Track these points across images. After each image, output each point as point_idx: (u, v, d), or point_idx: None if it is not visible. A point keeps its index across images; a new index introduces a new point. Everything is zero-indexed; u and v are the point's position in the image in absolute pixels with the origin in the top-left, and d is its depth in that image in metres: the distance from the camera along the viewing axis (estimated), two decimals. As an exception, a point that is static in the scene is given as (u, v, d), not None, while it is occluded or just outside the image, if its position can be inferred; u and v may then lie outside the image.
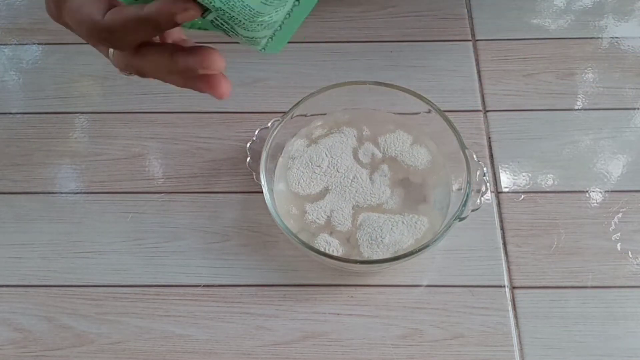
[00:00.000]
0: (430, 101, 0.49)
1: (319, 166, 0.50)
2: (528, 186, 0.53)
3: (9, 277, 0.50)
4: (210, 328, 0.47)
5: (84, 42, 0.65)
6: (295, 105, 0.49)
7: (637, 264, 0.49)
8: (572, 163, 0.54)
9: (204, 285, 0.49)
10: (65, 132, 0.56)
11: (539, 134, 0.55)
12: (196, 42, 0.38)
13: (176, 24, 0.33)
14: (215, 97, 0.37)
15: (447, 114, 0.49)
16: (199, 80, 0.36)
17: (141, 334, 0.47)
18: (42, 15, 0.63)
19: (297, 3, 0.35)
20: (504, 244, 0.50)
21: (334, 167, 0.50)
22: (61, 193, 0.53)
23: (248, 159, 0.50)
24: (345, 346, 0.46)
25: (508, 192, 0.52)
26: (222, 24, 0.34)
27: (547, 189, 0.53)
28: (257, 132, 0.50)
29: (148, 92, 0.58)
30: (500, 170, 0.53)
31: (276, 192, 0.49)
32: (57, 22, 0.40)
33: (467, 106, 0.57)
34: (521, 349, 0.46)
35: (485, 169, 0.48)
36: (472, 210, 0.46)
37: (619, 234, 0.50)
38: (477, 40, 0.61)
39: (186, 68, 0.35)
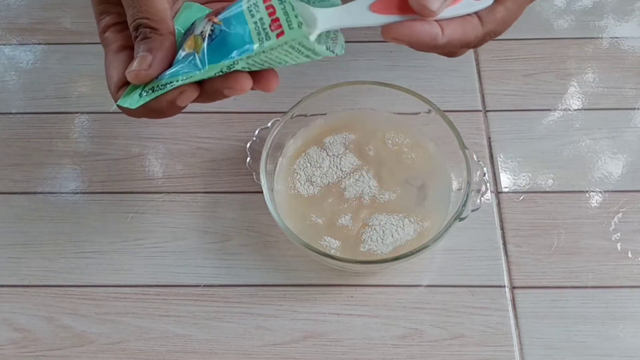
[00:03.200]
0: (430, 101, 0.49)
1: (319, 167, 0.50)
2: (528, 186, 0.53)
3: (9, 277, 0.50)
4: (210, 328, 0.47)
5: (84, 42, 0.66)
6: (295, 105, 0.49)
7: (637, 264, 0.49)
8: (572, 163, 0.54)
9: (204, 285, 0.49)
10: (65, 132, 0.56)
11: (539, 134, 0.55)
12: None
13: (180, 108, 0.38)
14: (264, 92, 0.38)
15: (447, 114, 0.49)
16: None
17: (141, 334, 0.47)
18: (42, 15, 0.63)
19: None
20: (504, 244, 0.50)
21: (335, 167, 0.50)
22: (61, 193, 0.53)
23: (248, 159, 0.50)
24: (345, 346, 0.46)
25: (508, 192, 0.52)
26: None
27: (547, 189, 0.53)
28: (257, 132, 0.50)
29: (148, 92, 0.58)
30: (500, 170, 0.53)
31: (276, 192, 0.49)
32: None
33: (467, 106, 0.57)
34: (521, 349, 0.46)
35: (485, 169, 0.48)
36: (472, 210, 0.46)
37: (619, 234, 0.50)
38: (477, 40, 0.61)
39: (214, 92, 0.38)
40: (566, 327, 0.47)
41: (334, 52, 0.37)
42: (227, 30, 0.35)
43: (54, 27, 0.63)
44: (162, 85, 0.36)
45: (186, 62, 0.37)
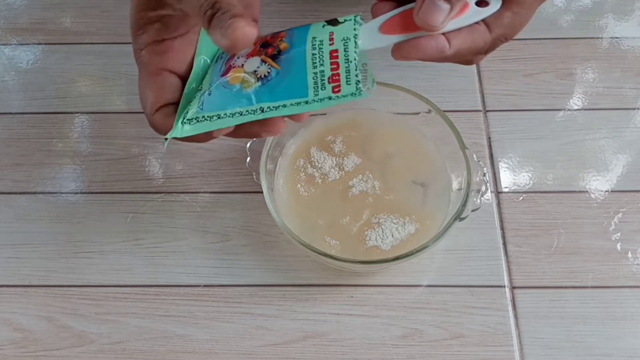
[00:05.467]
0: (430, 101, 0.49)
1: (319, 167, 0.50)
2: (528, 186, 0.53)
3: (9, 277, 0.50)
4: (210, 328, 0.47)
5: (84, 42, 0.66)
6: (295, 105, 0.49)
7: (637, 264, 0.49)
8: (572, 163, 0.54)
9: (204, 285, 0.49)
10: (65, 132, 0.56)
11: (539, 134, 0.55)
12: None
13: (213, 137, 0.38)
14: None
15: (447, 114, 0.49)
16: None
17: (141, 334, 0.47)
18: (42, 15, 0.63)
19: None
20: (504, 244, 0.50)
21: (336, 167, 0.50)
22: (61, 193, 0.53)
23: (248, 159, 0.50)
24: (345, 346, 0.46)
25: (508, 192, 0.52)
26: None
27: (547, 189, 0.52)
28: (257, 132, 0.50)
29: (148, 92, 0.58)
30: (500, 170, 0.53)
31: (276, 192, 0.49)
32: None
33: (467, 106, 0.57)
34: (521, 349, 0.46)
35: (485, 169, 0.48)
36: (472, 210, 0.46)
37: (619, 234, 0.50)
38: (477, 40, 0.61)
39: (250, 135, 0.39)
40: (566, 327, 0.47)
41: (369, 89, 0.38)
42: (285, 74, 0.36)
43: (54, 27, 0.63)
44: (208, 117, 0.37)
45: (232, 96, 0.37)
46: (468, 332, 0.47)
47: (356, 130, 0.51)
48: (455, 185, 0.48)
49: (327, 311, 0.48)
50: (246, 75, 0.37)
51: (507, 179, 0.53)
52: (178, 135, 0.38)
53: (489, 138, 0.55)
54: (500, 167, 0.54)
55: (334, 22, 0.38)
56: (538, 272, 0.49)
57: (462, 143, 0.47)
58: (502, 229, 0.51)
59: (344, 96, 0.36)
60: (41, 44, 0.62)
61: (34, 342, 0.47)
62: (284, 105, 0.36)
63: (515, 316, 0.47)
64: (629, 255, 0.49)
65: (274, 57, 0.37)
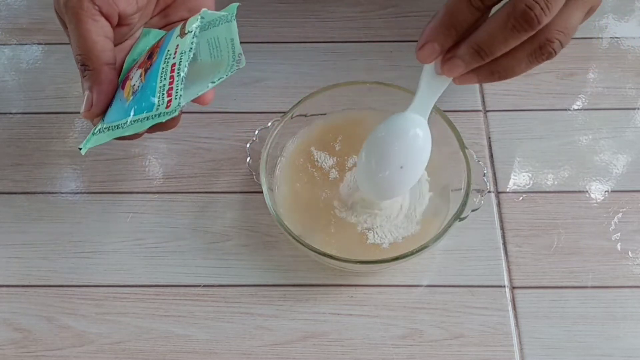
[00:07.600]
0: (430, 101, 0.49)
1: (319, 167, 0.50)
2: (528, 186, 0.53)
3: (9, 277, 0.50)
4: (210, 328, 0.47)
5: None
6: (295, 105, 0.49)
7: (637, 264, 0.49)
8: (572, 163, 0.54)
9: (204, 285, 0.49)
10: (65, 132, 0.56)
11: (539, 134, 0.55)
12: None
13: None
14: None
15: (447, 114, 0.49)
16: None
17: (141, 334, 0.47)
18: (42, 15, 0.63)
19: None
20: (504, 244, 0.50)
21: (336, 167, 0.50)
22: (61, 193, 0.53)
23: (248, 159, 0.50)
24: (345, 346, 0.46)
25: (508, 192, 0.52)
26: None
27: (547, 189, 0.52)
28: (257, 132, 0.50)
29: (148, 92, 0.58)
30: (500, 170, 0.53)
31: (276, 192, 0.49)
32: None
33: (467, 106, 0.57)
34: (521, 349, 0.46)
35: (485, 169, 0.48)
36: (472, 210, 0.46)
37: (619, 234, 0.50)
38: (477, 40, 0.61)
39: None
40: (566, 327, 0.47)
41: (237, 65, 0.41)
42: (145, 88, 0.39)
43: (54, 27, 0.62)
44: (105, 128, 0.40)
45: (120, 109, 0.40)
46: (468, 332, 0.47)
47: (356, 129, 0.51)
48: (455, 185, 0.48)
49: (327, 311, 0.48)
50: (132, 87, 0.40)
51: (507, 179, 0.53)
52: (87, 147, 0.40)
53: (489, 138, 0.55)
54: (500, 167, 0.54)
55: (182, 32, 0.40)
56: (538, 272, 0.49)
57: (462, 143, 0.47)
58: (502, 229, 0.51)
59: (168, 113, 0.38)
60: (41, 44, 0.62)
61: (34, 342, 0.47)
62: (140, 120, 0.39)
63: (515, 316, 0.47)
64: (629, 255, 0.49)
65: (147, 70, 0.40)
